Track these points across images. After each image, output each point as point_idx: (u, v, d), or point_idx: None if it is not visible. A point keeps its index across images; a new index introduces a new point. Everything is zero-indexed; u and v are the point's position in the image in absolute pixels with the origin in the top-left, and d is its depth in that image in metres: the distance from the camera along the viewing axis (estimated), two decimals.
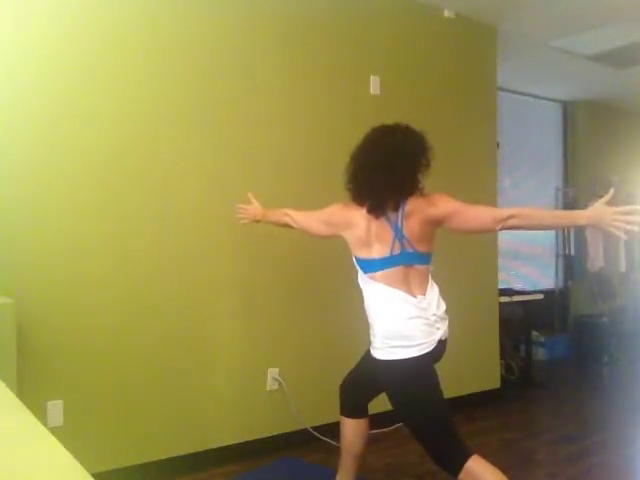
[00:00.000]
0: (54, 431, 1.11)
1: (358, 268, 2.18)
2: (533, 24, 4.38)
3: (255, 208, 2.82)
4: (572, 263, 6.38)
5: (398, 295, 2.06)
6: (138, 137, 2.96)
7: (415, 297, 2.07)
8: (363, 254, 2.14)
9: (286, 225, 2.61)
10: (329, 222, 2.31)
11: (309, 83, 3.53)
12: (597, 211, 1.81)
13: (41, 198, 2.72)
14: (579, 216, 1.95)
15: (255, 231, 3.05)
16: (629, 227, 1.74)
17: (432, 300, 2.10)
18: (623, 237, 1.78)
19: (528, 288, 5.62)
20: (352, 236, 2.18)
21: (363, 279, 2.17)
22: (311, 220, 2.44)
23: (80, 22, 2.81)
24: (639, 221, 1.73)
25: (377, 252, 2.10)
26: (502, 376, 4.54)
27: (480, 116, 4.38)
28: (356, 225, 2.15)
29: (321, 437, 3.36)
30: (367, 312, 2.18)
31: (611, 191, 1.82)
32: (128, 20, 2.94)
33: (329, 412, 2.95)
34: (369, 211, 2.10)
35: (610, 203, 1.80)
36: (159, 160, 3.02)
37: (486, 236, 4.23)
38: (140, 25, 2.97)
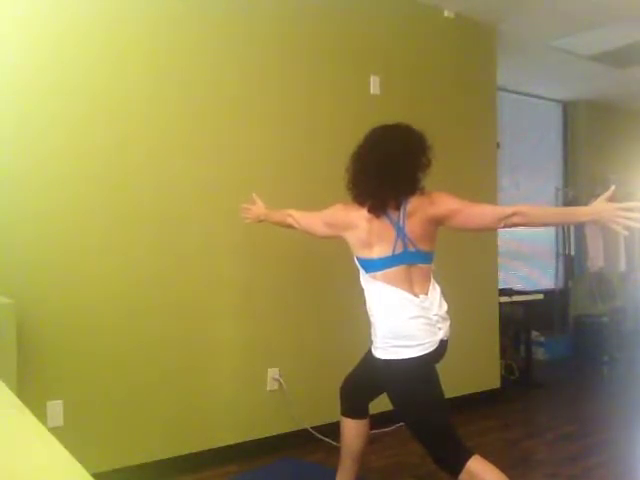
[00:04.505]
0: (54, 431, 1.11)
1: (360, 268, 2.18)
2: (533, 24, 4.38)
3: (259, 208, 2.83)
4: (572, 263, 6.37)
5: (400, 294, 2.06)
6: (139, 137, 2.96)
7: (417, 297, 2.07)
8: (364, 254, 2.14)
9: (289, 226, 2.61)
10: (331, 223, 2.31)
11: (309, 83, 3.53)
12: (598, 208, 1.82)
13: (42, 198, 2.72)
14: (581, 212, 1.96)
15: (256, 231, 3.04)
16: (630, 223, 1.75)
17: (434, 300, 2.09)
18: (624, 233, 1.80)
19: (528, 288, 5.61)
20: (353, 237, 2.18)
21: (365, 279, 2.16)
22: (313, 221, 2.44)
23: (81, 22, 2.81)
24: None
25: (379, 252, 2.10)
26: (502, 376, 4.54)
27: (480, 116, 4.38)
28: (357, 226, 2.15)
29: (321, 437, 3.36)
30: (369, 311, 2.18)
31: (612, 188, 1.83)
32: (129, 21, 2.93)
33: (329, 412, 2.95)
34: (370, 211, 2.10)
35: (610, 201, 1.80)
36: (160, 161, 3.02)
37: (486, 236, 4.23)
38: (141, 26, 2.97)
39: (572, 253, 6.37)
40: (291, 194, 3.35)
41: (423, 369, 2.04)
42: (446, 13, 4.14)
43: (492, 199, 4.33)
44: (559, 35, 4.58)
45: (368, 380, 2.35)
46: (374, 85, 3.78)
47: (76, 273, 2.78)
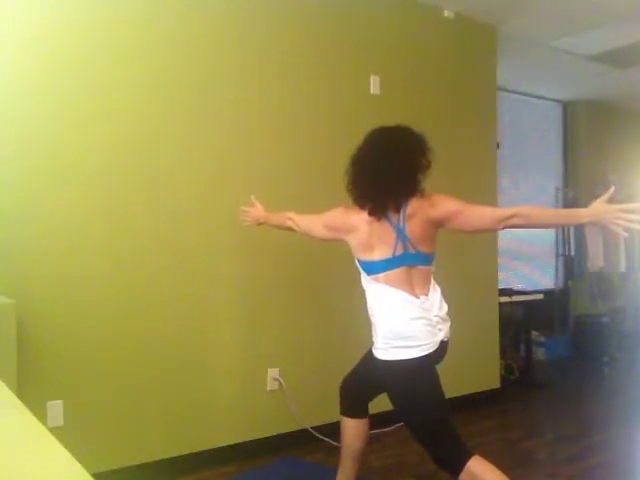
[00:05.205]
0: (54, 431, 1.11)
1: (361, 270, 2.18)
2: (533, 24, 4.38)
3: (258, 211, 2.81)
4: (572, 263, 6.38)
5: (401, 296, 2.06)
6: (138, 136, 2.96)
7: (418, 298, 2.07)
8: (366, 256, 2.14)
9: (289, 228, 2.60)
10: (331, 226, 2.30)
11: (309, 83, 3.53)
12: (599, 209, 1.81)
13: (41, 198, 2.71)
14: (581, 214, 1.96)
15: (256, 232, 3.04)
16: (630, 225, 1.75)
17: (434, 301, 2.10)
18: (624, 234, 1.80)
19: (528, 288, 5.62)
20: (354, 240, 2.18)
21: (366, 280, 2.16)
22: (313, 224, 2.43)
23: (80, 22, 2.81)
24: None
25: (380, 254, 2.10)
26: (502, 376, 4.54)
27: (480, 116, 4.38)
28: (358, 229, 2.15)
29: (321, 437, 3.36)
30: (370, 313, 2.18)
31: (612, 189, 1.83)
32: (128, 20, 2.93)
33: (329, 412, 2.95)
34: (370, 213, 2.10)
35: (610, 202, 1.80)
36: (159, 160, 3.02)
37: (486, 236, 4.23)
38: (140, 25, 2.97)
39: (572, 253, 6.37)
40: (290, 193, 3.34)
41: (424, 370, 2.03)
42: (446, 13, 4.14)
43: (492, 199, 4.34)
44: (559, 35, 4.58)
45: (368, 380, 2.35)
46: (374, 85, 3.78)
47: (76, 273, 2.78)
